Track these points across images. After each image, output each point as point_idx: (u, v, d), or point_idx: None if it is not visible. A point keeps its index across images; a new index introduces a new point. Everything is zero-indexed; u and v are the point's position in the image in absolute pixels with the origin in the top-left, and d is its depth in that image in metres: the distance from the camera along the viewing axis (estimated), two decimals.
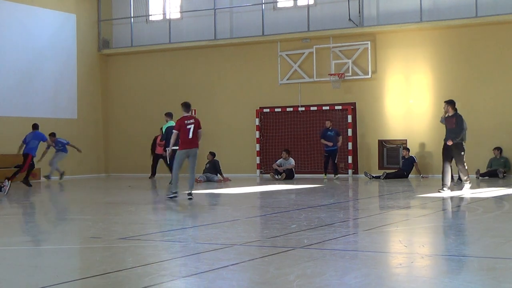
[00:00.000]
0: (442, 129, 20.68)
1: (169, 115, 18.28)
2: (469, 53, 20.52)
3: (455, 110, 14.20)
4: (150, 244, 7.72)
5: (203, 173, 20.16)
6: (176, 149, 17.85)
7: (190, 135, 13.02)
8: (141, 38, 25.05)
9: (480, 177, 19.26)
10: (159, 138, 21.45)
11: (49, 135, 20.46)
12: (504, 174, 19.25)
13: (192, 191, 13.29)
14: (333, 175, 20.50)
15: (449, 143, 13.87)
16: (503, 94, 20.11)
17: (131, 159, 24.90)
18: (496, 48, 20.26)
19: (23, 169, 18.34)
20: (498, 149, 19.72)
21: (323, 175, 20.74)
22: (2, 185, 14.96)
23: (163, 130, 18.16)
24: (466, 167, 14.08)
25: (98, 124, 25.33)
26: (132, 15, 25.00)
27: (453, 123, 13.99)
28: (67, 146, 21.24)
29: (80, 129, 24.37)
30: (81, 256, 7.36)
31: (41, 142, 18.77)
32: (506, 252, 6.96)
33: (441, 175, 14.11)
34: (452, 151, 13.96)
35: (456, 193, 13.84)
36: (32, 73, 22.71)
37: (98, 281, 5.71)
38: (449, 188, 13.89)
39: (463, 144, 14.06)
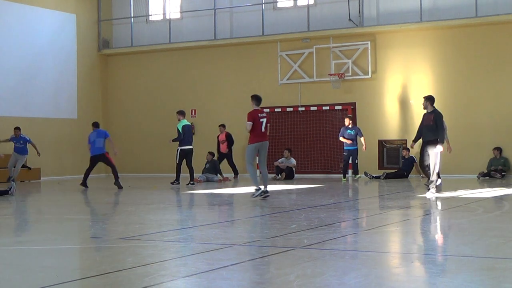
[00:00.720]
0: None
1: (182, 114, 18.01)
2: (469, 53, 20.51)
3: (434, 107, 13.78)
4: (150, 244, 7.72)
5: (203, 173, 20.17)
6: (185, 149, 17.87)
7: (263, 129, 12.90)
8: (141, 38, 25.05)
9: (480, 177, 19.26)
10: (221, 136, 21.41)
11: (15, 128, 19.67)
12: (503, 173, 19.24)
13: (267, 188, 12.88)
14: (352, 175, 19.67)
15: (448, 150, 13.94)
16: (503, 94, 20.10)
17: (131, 159, 24.89)
18: (496, 48, 20.25)
19: (114, 169, 17.36)
20: (498, 149, 19.72)
21: (342, 177, 19.43)
22: (9, 188, 14.99)
23: (179, 129, 17.75)
24: (438, 170, 13.47)
25: None
26: (132, 15, 25.01)
27: (431, 120, 13.57)
28: (27, 146, 19.72)
29: (80, 129, 24.36)
30: (81, 256, 7.36)
31: (105, 138, 17.72)
32: (506, 252, 6.96)
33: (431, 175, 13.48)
34: (428, 148, 13.59)
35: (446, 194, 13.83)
36: (32, 73, 22.72)
37: (98, 281, 5.71)
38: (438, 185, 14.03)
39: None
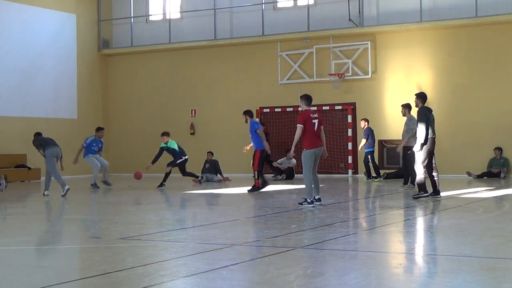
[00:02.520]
0: (442, 129, 20.80)
1: (167, 135, 17.55)
2: (469, 53, 20.51)
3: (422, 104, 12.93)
4: (150, 244, 7.72)
5: (203, 173, 20.17)
6: (183, 161, 17.85)
7: (316, 130, 11.46)
8: (141, 38, 25.05)
9: (476, 177, 19.30)
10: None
11: (100, 129, 18.02)
12: (505, 175, 19.29)
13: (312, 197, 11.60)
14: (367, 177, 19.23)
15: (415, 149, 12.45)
16: (503, 94, 20.10)
17: (131, 159, 24.89)
18: (496, 48, 20.25)
19: (255, 167, 15.33)
20: (499, 149, 19.72)
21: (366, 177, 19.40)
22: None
23: (171, 147, 17.48)
24: (421, 174, 12.27)
25: (98, 124, 25.23)
26: (132, 15, 25.00)
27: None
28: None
29: (80, 129, 24.35)
30: (81, 256, 7.36)
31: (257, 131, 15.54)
32: (506, 252, 6.96)
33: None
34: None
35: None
36: (32, 73, 22.71)
37: (98, 281, 5.71)
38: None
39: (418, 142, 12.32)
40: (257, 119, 16.08)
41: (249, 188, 15.29)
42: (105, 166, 17.91)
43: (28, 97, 22.50)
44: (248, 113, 15.91)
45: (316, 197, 11.55)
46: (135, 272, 6.02)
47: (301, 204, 11.51)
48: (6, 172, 20.43)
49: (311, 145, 11.37)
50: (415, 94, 13.13)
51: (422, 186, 12.37)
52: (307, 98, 11.81)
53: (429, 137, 12.33)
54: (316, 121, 11.48)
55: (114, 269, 6.18)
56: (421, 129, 12.30)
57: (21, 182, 20.82)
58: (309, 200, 11.41)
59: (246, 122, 15.81)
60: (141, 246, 7.57)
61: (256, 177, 15.17)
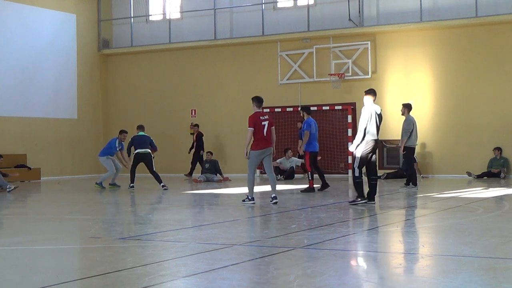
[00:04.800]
0: (442, 129, 20.81)
1: (140, 128, 17.16)
2: (469, 53, 20.51)
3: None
4: (150, 244, 7.72)
5: (202, 173, 20.17)
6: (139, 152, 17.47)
7: (265, 133, 11.95)
8: (141, 38, 25.06)
9: (476, 177, 19.32)
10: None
11: (124, 132, 17.68)
12: (505, 176, 19.30)
13: (275, 194, 12.14)
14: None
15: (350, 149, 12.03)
16: (503, 94, 20.11)
17: (131, 159, 24.87)
18: (496, 48, 20.25)
19: (308, 168, 14.92)
20: (499, 149, 19.72)
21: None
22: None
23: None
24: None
25: (98, 124, 25.33)
26: (132, 15, 25.01)
27: None
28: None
29: (80, 129, 24.38)
30: (81, 256, 7.37)
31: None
32: (506, 252, 6.96)
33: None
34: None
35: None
36: (32, 73, 22.71)
37: (98, 281, 5.71)
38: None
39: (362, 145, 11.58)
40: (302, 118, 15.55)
41: (303, 188, 15.20)
42: (118, 170, 17.76)
43: (28, 97, 22.50)
44: (305, 109, 15.41)
45: (272, 196, 12.09)
46: (135, 272, 6.02)
47: (244, 201, 12.22)
48: (6, 172, 20.47)
49: (257, 146, 11.99)
50: (365, 92, 11.95)
51: (359, 191, 11.61)
52: (258, 100, 12.27)
53: (370, 139, 11.51)
54: (266, 123, 12.03)
55: (114, 269, 6.18)
56: (361, 128, 11.54)
57: (21, 182, 20.81)
58: (250, 197, 12.09)
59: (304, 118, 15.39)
60: (141, 246, 7.57)
61: (311, 178, 14.92)
